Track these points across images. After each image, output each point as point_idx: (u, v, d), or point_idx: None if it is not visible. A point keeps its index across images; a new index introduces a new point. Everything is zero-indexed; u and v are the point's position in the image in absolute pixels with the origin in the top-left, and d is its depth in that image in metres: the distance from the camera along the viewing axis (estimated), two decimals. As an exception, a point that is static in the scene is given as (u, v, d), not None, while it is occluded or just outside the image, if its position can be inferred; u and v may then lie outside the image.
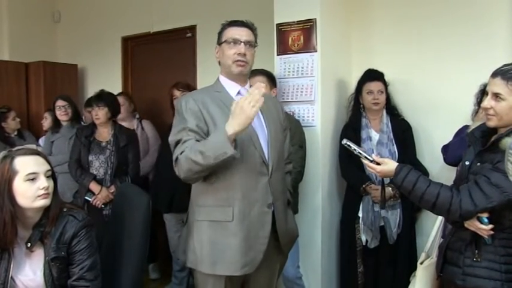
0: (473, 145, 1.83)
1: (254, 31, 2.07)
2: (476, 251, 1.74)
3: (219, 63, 2.07)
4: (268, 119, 2.06)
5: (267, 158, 1.98)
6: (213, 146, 1.78)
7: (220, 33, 2.06)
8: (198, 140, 1.88)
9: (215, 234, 1.94)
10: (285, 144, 2.19)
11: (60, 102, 3.92)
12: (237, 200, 1.93)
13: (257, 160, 1.96)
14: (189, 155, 1.83)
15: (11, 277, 1.74)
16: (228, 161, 1.79)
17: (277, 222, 2.01)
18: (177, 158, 1.89)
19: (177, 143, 1.92)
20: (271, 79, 2.87)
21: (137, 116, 4.11)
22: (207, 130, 1.93)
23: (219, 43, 2.05)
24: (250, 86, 2.01)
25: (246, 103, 1.73)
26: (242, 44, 1.98)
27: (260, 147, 1.97)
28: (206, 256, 1.95)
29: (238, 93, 2.03)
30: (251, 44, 2.02)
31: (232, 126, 1.75)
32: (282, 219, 2.04)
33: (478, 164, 1.76)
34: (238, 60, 1.98)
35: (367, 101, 2.92)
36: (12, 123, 4.28)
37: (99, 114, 3.37)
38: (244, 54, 1.99)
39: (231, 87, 2.04)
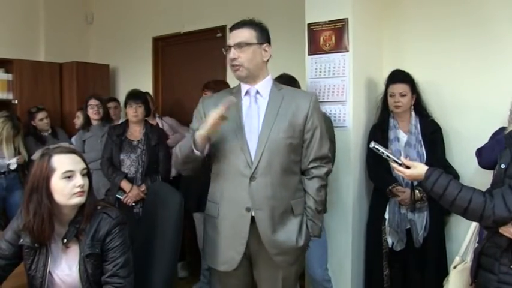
0: (510, 147, 1.77)
1: (252, 26, 2.03)
2: (513, 259, 1.69)
3: None
4: (270, 119, 1.98)
5: (252, 160, 1.95)
6: (186, 142, 1.97)
7: None
8: None
9: (207, 227, 2.10)
10: (310, 148, 2.04)
11: (92, 101, 4.01)
12: (221, 198, 2.02)
13: (241, 161, 1.96)
14: (175, 149, 2.05)
15: (49, 271, 1.78)
16: (195, 157, 1.93)
17: (259, 230, 1.96)
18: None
19: None
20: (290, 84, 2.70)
21: (157, 115, 4.24)
22: None
23: None
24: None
25: (209, 119, 1.87)
26: (231, 48, 1.99)
27: (247, 149, 1.96)
28: (204, 247, 2.14)
29: (247, 92, 2.05)
30: (243, 44, 1.98)
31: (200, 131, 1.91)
32: (266, 227, 1.96)
33: (515, 166, 1.70)
34: (232, 65, 2.01)
35: (390, 103, 2.89)
36: (39, 124, 4.32)
37: (138, 111, 3.42)
38: (235, 58, 1.98)
39: (243, 87, 2.07)
